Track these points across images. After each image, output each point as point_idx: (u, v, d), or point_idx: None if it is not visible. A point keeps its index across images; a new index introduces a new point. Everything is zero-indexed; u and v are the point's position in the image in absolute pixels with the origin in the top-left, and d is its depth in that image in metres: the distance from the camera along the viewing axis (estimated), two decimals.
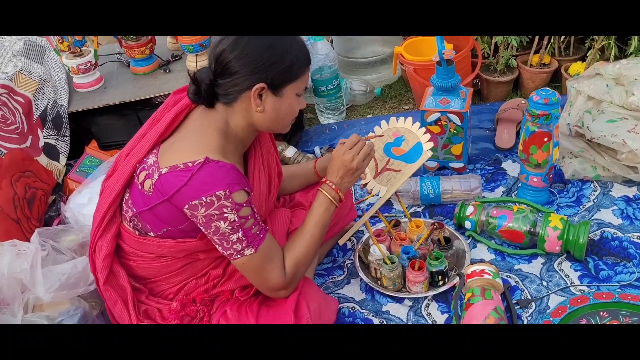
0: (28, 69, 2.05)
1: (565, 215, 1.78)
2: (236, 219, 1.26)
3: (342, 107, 2.47)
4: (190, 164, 1.25)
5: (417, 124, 1.57)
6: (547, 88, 1.70)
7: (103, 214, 1.41)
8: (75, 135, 2.14)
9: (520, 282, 1.60)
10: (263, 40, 1.28)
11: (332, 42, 2.74)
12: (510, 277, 1.62)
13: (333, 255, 1.80)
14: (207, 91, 1.31)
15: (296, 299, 1.42)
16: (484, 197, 1.89)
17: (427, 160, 1.98)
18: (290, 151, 2.17)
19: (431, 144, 1.55)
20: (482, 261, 1.66)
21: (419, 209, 1.91)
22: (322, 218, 1.44)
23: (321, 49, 2.32)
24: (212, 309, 1.45)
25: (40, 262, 1.51)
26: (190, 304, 1.43)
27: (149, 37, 2.17)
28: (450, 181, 1.89)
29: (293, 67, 1.30)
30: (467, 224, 1.76)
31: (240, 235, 1.29)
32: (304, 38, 2.47)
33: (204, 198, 1.24)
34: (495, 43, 2.32)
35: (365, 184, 1.61)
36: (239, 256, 1.31)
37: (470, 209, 1.76)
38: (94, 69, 2.14)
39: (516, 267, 1.65)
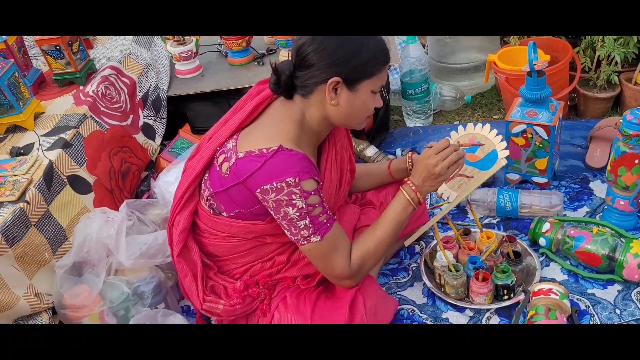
0: (136, 54, 2.22)
1: None
2: (304, 206, 1.31)
3: (429, 111, 2.45)
4: (264, 150, 1.32)
5: (495, 131, 1.54)
6: None
7: (183, 192, 1.50)
8: (171, 117, 2.29)
9: (591, 307, 1.53)
10: (341, 36, 1.31)
11: (425, 46, 2.73)
12: (581, 300, 1.55)
13: (400, 257, 1.81)
14: (286, 82, 1.37)
15: (354, 294, 1.45)
16: (564, 215, 1.81)
17: (509, 173, 1.96)
18: (370, 150, 2.19)
19: (507, 152, 1.52)
20: (552, 280, 1.60)
21: (494, 221, 1.87)
22: (398, 217, 1.45)
23: (412, 52, 2.31)
24: (274, 293, 1.51)
25: (125, 231, 1.64)
26: (253, 285, 1.50)
27: None
28: (530, 195, 1.83)
29: (369, 63, 1.33)
30: (542, 241, 1.70)
31: (307, 222, 1.33)
32: (398, 40, 2.49)
33: (274, 183, 1.29)
34: (598, 57, 2.21)
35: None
36: (305, 242, 1.36)
37: (546, 226, 1.70)
38: (194, 58, 2.28)
39: (589, 291, 1.57)
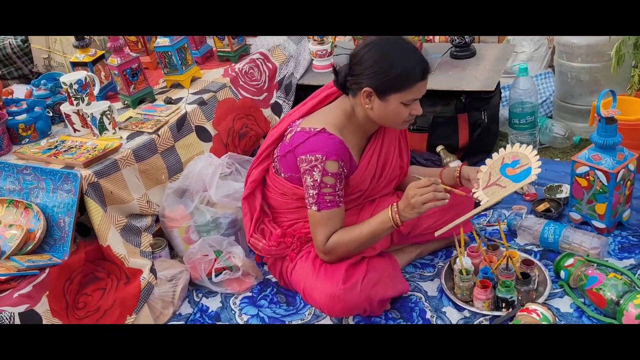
0: (284, 46, 2.71)
1: None
2: (319, 179, 1.63)
3: (533, 143, 2.54)
4: (311, 129, 1.67)
5: (535, 152, 1.69)
6: None
7: (261, 152, 1.92)
8: (297, 101, 2.73)
9: None
10: (379, 51, 1.60)
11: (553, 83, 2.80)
12: None
13: (435, 255, 2.02)
14: (341, 82, 1.70)
15: (359, 259, 1.73)
16: (606, 260, 1.85)
17: (572, 212, 2.03)
18: (454, 164, 2.39)
19: (539, 170, 1.64)
20: (557, 310, 1.69)
21: (535, 249, 1.97)
22: (376, 226, 1.67)
23: (522, 85, 2.45)
24: (304, 247, 1.85)
25: (219, 174, 2.11)
26: (290, 236, 1.86)
27: None
28: (574, 233, 1.90)
29: (399, 79, 1.59)
30: (562, 274, 1.78)
31: (314, 192, 1.65)
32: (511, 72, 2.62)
33: (307, 155, 1.64)
34: None
35: (474, 193, 1.76)
36: (308, 207, 1.69)
37: (570, 260, 1.78)
38: (328, 56, 2.69)
39: None
